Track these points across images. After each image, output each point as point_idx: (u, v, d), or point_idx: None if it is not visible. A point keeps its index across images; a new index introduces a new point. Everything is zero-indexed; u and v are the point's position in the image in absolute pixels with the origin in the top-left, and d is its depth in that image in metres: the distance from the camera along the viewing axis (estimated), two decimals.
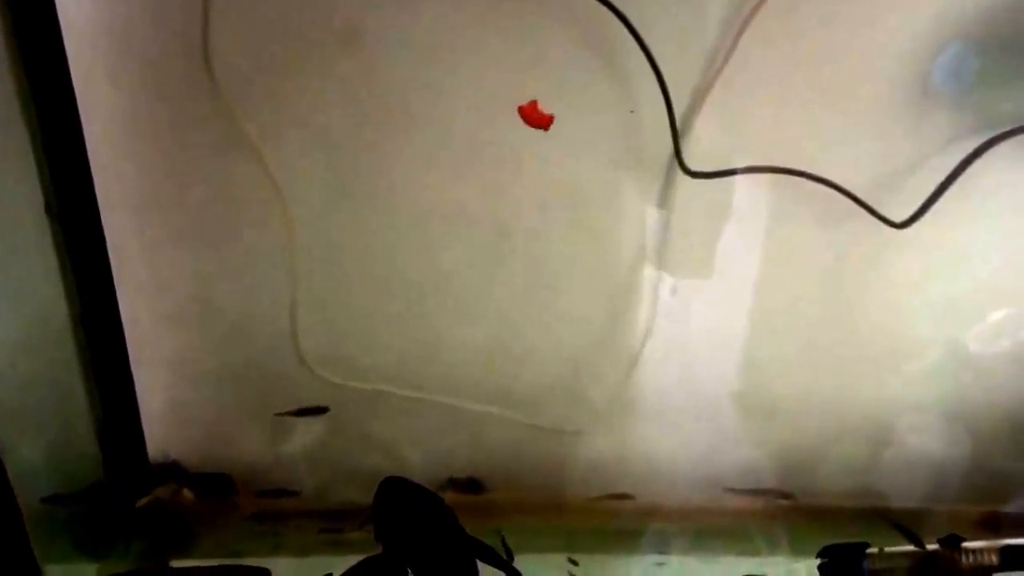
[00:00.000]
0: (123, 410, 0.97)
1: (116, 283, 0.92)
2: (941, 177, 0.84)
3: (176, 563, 0.95)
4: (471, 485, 1.02)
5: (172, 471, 1.01)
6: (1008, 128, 0.83)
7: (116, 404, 0.97)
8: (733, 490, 1.00)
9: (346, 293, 0.95)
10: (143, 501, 0.99)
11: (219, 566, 0.77)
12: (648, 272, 0.94)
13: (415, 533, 0.80)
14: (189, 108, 0.86)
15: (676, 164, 0.86)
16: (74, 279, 0.90)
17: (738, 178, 0.88)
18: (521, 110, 0.85)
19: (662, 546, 0.96)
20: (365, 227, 0.92)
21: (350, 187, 0.90)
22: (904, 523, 0.96)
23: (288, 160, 0.88)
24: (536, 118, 0.85)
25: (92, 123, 0.85)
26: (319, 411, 0.97)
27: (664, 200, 0.90)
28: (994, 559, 0.83)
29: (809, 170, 0.86)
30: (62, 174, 0.86)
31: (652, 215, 0.91)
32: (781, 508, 1.00)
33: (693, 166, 0.87)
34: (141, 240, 0.92)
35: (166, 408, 1.00)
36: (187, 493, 1.01)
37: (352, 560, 0.81)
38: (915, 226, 0.86)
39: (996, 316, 0.95)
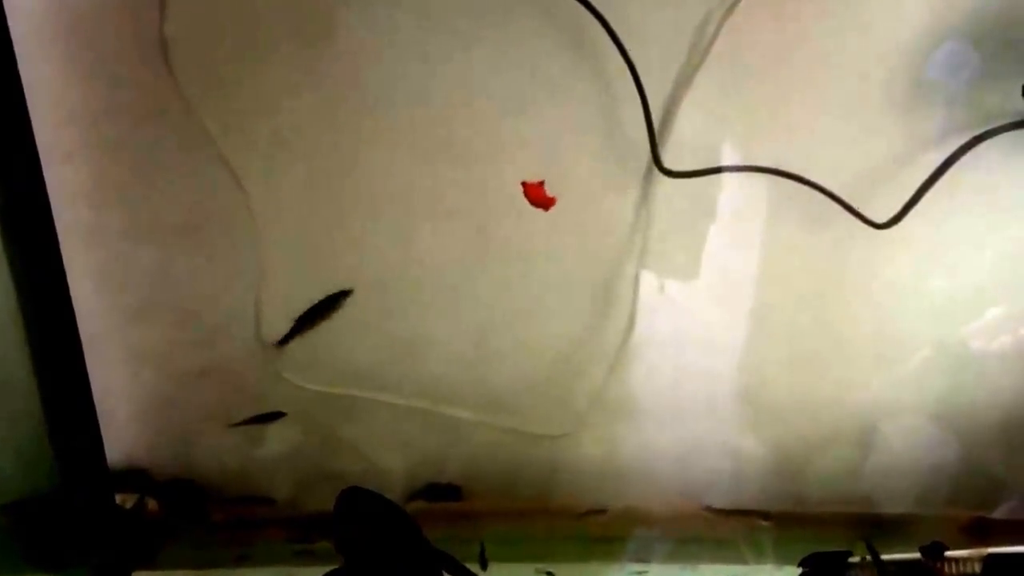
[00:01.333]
0: (79, 413, 0.94)
1: (70, 280, 0.89)
2: (925, 176, 0.83)
3: None
4: (449, 492, 0.99)
5: (136, 478, 0.98)
6: (990, 127, 0.82)
7: (71, 407, 0.93)
8: (712, 509, 0.98)
9: (315, 292, 0.92)
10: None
11: None
12: (630, 272, 0.92)
13: (377, 545, 0.78)
14: (146, 100, 0.83)
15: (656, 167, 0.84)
16: (23, 275, 0.87)
17: (719, 177, 0.87)
18: (526, 188, 0.84)
19: (643, 554, 0.94)
20: (335, 224, 0.89)
21: (319, 183, 0.88)
22: (891, 529, 0.94)
23: (252, 154, 0.85)
24: (540, 199, 0.84)
25: (42, 114, 0.82)
26: (275, 416, 0.94)
27: (645, 199, 0.89)
28: (977, 568, 0.81)
29: (791, 169, 0.84)
30: (7, 166, 0.83)
31: (633, 215, 0.89)
32: (767, 512, 0.98)
33: (674, 165, 0.85)
34: (100, 236, 0.89)
35: (128, 412, 0.97)
36: (151, 502, 0.98)
37: (320, 571, 0.79)
38: (900, 226, 0.85)
39: (983, 318, 0.94)
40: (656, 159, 0.84)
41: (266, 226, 0.88)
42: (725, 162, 0.85)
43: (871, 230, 0.85)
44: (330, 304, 0.91)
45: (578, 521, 0.97)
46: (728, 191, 0.87)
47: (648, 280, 0.92)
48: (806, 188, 0.84)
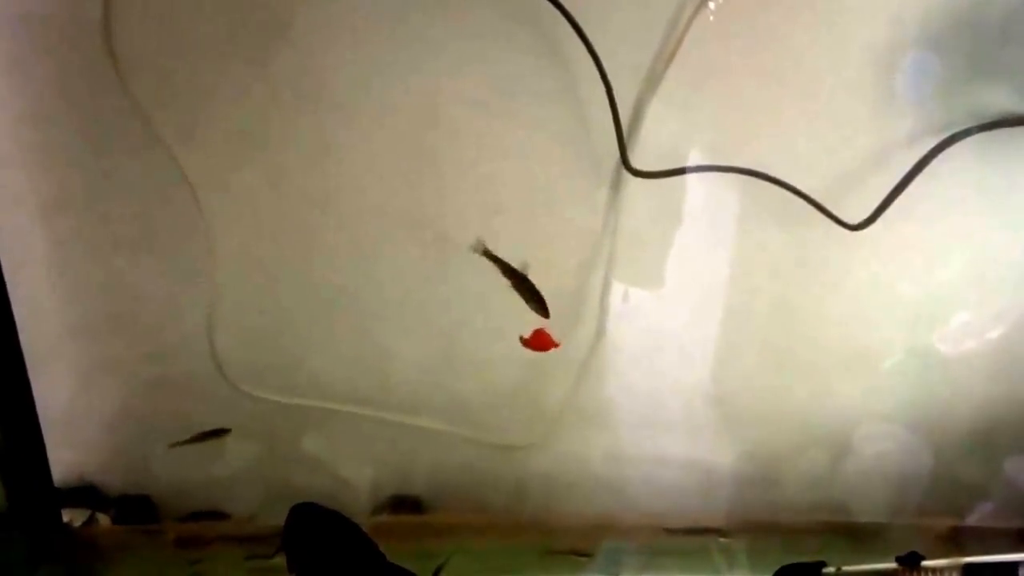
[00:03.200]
0: (23, 430, 0.90)
1: (11, 289, 0.85)
2: (898, 178, 0.82)
3: None
4: (413, 505, 0.96)
5: (87, 495, 0.94)
6: (964, 128, 0.81)
7: (13, 421, 0.89)
8: (670, 530, 0.96)
9: (272, 302, 0.89)
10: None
11: None
12: (598, 278, 0.89)
13: (329, 562, 0.74)
14: (95, 103, 0.80)
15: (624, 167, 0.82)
16: None
17: (690, 179, 0.85)
18: (528, 342, 0.82)
19: (613, 567, 0.91)
20: (294, 230, 0.87)
21: (276, 189, 0.85)
22: (867, 538, 0.93)
23: (206, 161, 0.82)
24: (544, 344, 0.82)
25: None
26: (219, 433, 0.91)
27: (613, 202, 0.86)
28: None
29: (763, 170, 0.82)
30: None
31: (601, 218, 0.87)
32: (739, 524, 0.96)
33: (644, 166, 0.83)
34: (45, 243, 0.85)
35: (78, 427, 0.93)
36: (103, 518, 0.94)
37: None
38: (874, 228, 0.84)
39: (956, 322, 0.92)
40: (624, 159, 0.82)
41: (221, 235, 0.85)
42: (695, 163, 0.83)
43: (843, 233, 0.84)
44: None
45: (549, 528, 0.95)
46: (698, 193, 0.86)
47: (617, 286, 0.90)
48: (778, 190, 0.83)
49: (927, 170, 0.81)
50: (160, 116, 0.80)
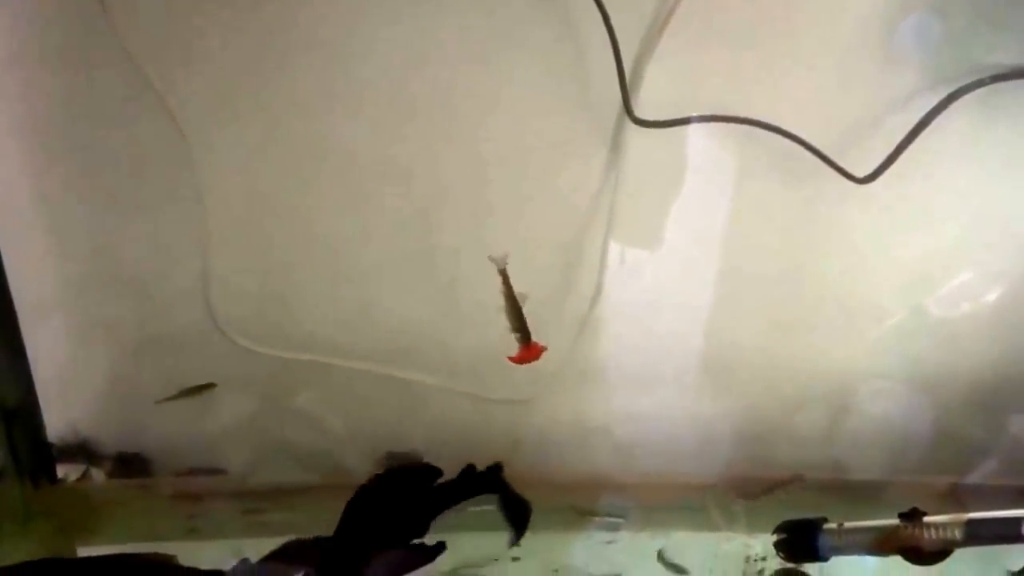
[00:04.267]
0: (16, 384, 0.89)
1: (2, 245, 0.84)
2: (906, 131, 0.80)
3: (83, 549, 0.87)
4: (409, 461, 0.95)
5: (83, 450, 0.93)
6: (972, 80, 0.79)
7: (7, 377, 0.89)
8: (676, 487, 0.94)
9: (266, 254, 0.88)
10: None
11: (120, 554, 0.70)
12: (599, 232, 0.88)
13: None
14: (86, 53, 0.78)
15: (626, 115, 0.80)
16: None
17: (693, 131, 0.83)
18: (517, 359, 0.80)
19: (611, 522, 0.91)
20: (287, 182, 0.85)
21: (269, 138, 0.83)
22: (866, 495, 0.92)
23: (198, 109, 0.81)
24: (532, 355, 0.81)
25: None
26: (205, 388, 0.90)
27: (615, 154, 0.85)
28: (957, 534, 0.79)
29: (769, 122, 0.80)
30: None
31: (602, 170, 0.85)
32: (737, 481, 0.96)
33: (646, 116, 0.81)
34: (37, 198, 0.84)
35: (73, 383, 0.92)
36: (97, 473, 0.93)
37: (273, 543, 0.75)
38: (879, 183, 0.82)
39: (960, 280, 0.91)
40: (628, 108, 0.80)
41: (212, 185, 0.84)
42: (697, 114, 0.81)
43: (847, 189, 0.82)
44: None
45: (549, 483, 0.94)
46: (701, 145, 0.84)
47: (618, 240, 0.88)
48: (782, 144, 0.81)
49: (934, 124, 0.79)
50: (151, 67, 0.79)
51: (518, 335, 0.80)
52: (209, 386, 0.90)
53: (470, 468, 0.84)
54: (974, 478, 0.91)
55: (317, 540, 0.73)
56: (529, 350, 0.81)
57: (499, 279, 0.79)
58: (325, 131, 0.83)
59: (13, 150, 0.82)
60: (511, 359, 0.80)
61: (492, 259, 0.79)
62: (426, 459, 0.95)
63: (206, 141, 0.82)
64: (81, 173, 0.84)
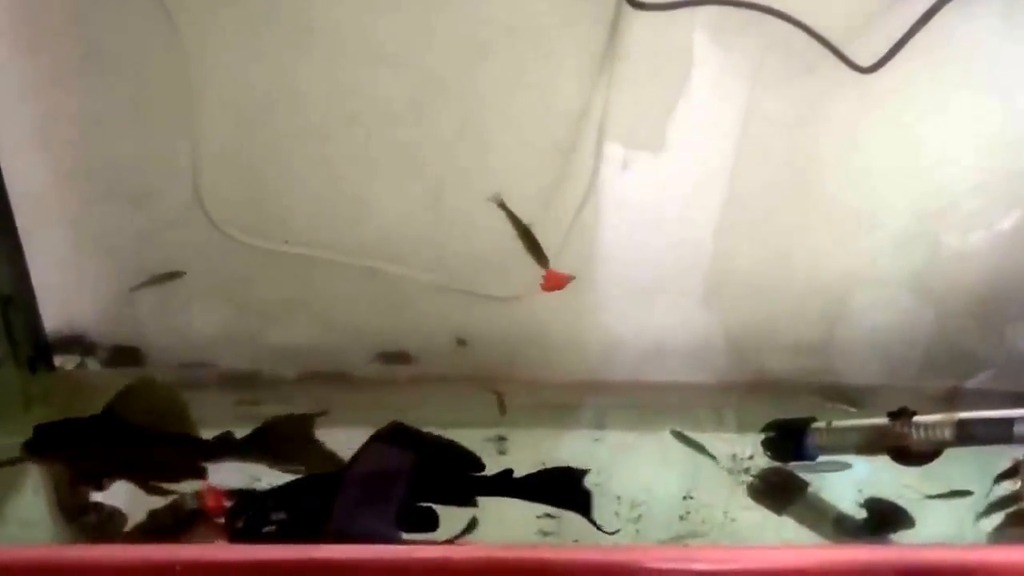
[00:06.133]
0: (11, 268, 0.90)
1: None
2: (913, 20, 0.77)
3: None
4: (400, 358, 0.96)
5: (76, 341, 0.94)
6: None
7: (3, 271, 0.89)
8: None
9: (256, 143, 0.87)
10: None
11: None
12: (593, 127, 0.85)
13: None
14: None
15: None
16: None
17: (692, 18, 0.80)
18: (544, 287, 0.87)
19: (601, 421, 0.91)
20: (276, 68, 0.83)
21: (257, 22, 0.81)
22: (860, 398, 0.91)
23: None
24: (558, 282, 0.87)
25: None
26: (173, 276, 0.90)
27: (612, 43, 0.82)
28: (947, 434, 0.78)
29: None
30: None
31: (598, 61, 0.82)
32: (730, 384, 0.95)
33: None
34: (26, 85, 0.83)
35: (63, 274, 0.93)
36: (92, 363, 0.94)
37: None
38: (884, 78, 0.79)
39: (964, 183, 0.88)
40: None
41: (201, 72, 0.82)
42: None
43: (854, 84, 0.80)
44: None
45: (537, 382, 0.94)
46: (702, 33, 0.81)
47: (613, 137, 0.86)
48: (785, 33, 0.78)
49: (944, 10, 0.76)
50: None
51: (535, 256, 0.86)
52: (177, 274, 0.90)
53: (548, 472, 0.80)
54: (972, 384, 0.90)
55: None
56: (555, 277, 0.86)
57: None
58: (312, 17, 0.80)
59: (3, 31, 0.80)
60: (542, 287, 0.87)
61: (491, 199, 0.85)
62: (415, 356, 0.96)
63: (195, 24, 0.80)
64: (69, 62, 0.82)
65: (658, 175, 0.88)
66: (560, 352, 0.95)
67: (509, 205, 0.87)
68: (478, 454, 0.78)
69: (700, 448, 0.87)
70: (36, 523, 0.78)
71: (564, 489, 0.77)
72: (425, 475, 0.75)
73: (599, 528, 0.75)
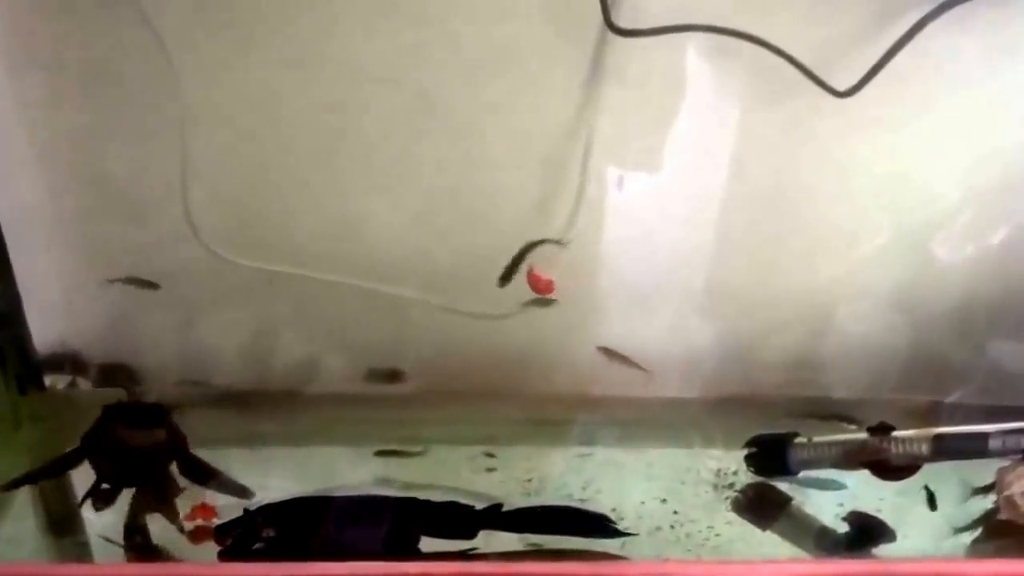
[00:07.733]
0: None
1: None
2: (888, 44, 0.79)
3: None
4: (392, 376, 0.97)
5: (67, 360, 0.95)
6: None
7: None
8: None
9: (248, 162, 0.87)
10: None
11: None
12: (581, 145, 0.87)
13: None
14: None
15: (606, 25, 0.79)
16: None
17: (674, 45, 0.82)
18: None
19: (588, 438, 0.92)
20: (267, 86, 0.84)
21: (248, 42, 0.82)
22: (842, 413, 0.93)
23: (178, 15, 0.79)
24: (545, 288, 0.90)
25: None
26: (149, 285, 0.90)
27: (597, 66, 0.83)
28: (924, 448, 0.80)
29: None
30: None
31: (584, 81, 0.84)
32: (715, 399, 0.97)
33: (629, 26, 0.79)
34: (13, 103, 0.83)
35: (53, 292, 0.93)
36: (83, 382, 0.95)
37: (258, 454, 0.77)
38: (862, 99, 0.81)
39: (943, 200, 0.90)
40: (607, 17, 0.79)
41: (192, 92, 0.83)
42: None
43: (831, 104, 0.81)
44: None
45: (526, 399, 0.95)
46: (683, 59, 0.83)
47: (599, 156, 0.87)
48: (765, 59, 0.79)
49: (921, 35, 0.78)
50: None
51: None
52: (152, 284, 0.91)
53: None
54: (953, 398, 0.92)
55: None
56: (537, 283, 0.88)
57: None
58: (309, 36, 0.81)
59: None
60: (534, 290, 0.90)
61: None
62: (407, 374, 0.96)
63: (186, 44, 0.81)
64: (61, 83, 0.83)
65: (641, 196, 0.90)
66: (550, 369, 0.96)
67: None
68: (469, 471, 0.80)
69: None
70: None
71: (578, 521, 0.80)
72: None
73: (623, 533, 0.78)
